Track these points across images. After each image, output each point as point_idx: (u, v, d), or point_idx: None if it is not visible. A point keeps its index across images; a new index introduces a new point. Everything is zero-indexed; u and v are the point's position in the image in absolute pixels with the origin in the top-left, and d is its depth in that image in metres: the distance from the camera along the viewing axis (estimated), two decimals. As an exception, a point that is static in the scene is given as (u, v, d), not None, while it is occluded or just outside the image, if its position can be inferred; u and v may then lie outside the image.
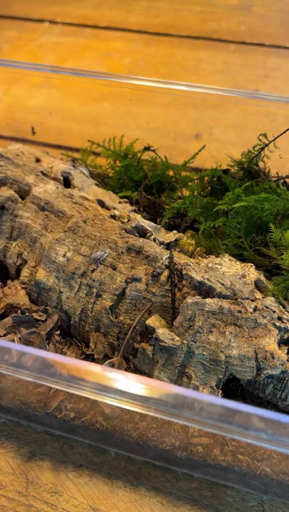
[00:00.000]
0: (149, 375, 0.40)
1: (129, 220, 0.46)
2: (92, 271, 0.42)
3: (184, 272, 0.41)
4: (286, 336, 0.38)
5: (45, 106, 0.71)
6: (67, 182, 0.51)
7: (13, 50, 0.93)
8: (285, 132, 0.47)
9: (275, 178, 0.51)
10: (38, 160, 0.53)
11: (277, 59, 0.89)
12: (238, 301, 0.38)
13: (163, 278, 0.41)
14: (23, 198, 0.49)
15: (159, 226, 0.47)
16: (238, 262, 0.42)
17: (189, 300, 0.38)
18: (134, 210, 0.51)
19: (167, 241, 0.45)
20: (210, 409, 0.29)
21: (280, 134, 0.48)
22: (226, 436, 0.38)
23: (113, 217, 0.46)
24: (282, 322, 0.38)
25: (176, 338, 0.38)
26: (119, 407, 0.37)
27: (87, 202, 0.47)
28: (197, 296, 0.39)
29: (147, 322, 0.39)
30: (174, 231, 0.47)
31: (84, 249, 0.43)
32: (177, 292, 0.40)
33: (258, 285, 0.41)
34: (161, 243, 0.44)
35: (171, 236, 0.45)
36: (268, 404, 0.39)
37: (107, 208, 0.48)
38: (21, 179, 0.48)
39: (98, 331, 0.42)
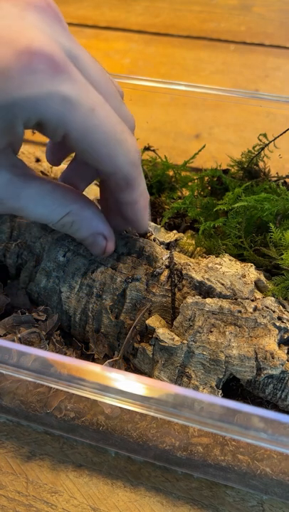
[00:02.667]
0: (149, 375, 0.40)
1: (129, 220, 0.46)
2: (93, 271, 0.42)
3: (184, 272, 0.41)
4: (286, 336, 0.38)
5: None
6: (67, 182, 0.51)
7: (13, 50, 0.93)
8: (285, 132, 0.47)
9: (275, 178, 0.51)
10: (38, 160, 0.53)
11: (277, 59, 0.89)
12: (238, 301, 0.38)
13: (163, 278, 0.41)
14: (23, 198, 0.49)
15: (159, 226, 0.47)
16: (238, 262, 0.42)
17: (189, 300, 0.38)
18: (134, 210, 0.51)
19: (167, 241, 0.45)
20: (210, 409, 0.29)
21: (280, 134, 0.48)
22: (226, 436, 0.38)
23: (113, 217, 0.46)
24: (282, 322, 0.38)
25: (176, 338, 0.38)
26: (119, 407, 0.37)
27: (87, 202, 0.47)
28: (197, 296, 0.39)
29: (147, 322, 0.39)
30: (174, 231, 0.47)
31: (84, 249, 0.43)
32: (177, 292, 0.40)
33: (258, 285, 0.41)
34: (161, 243, 0.44)
35: (171, 236, 0.45)
36: (268, 404, 0.39)
37: (107, 208, 0.48)
38: (21, 179, 0.48)
39: (98, 331, 0.42)
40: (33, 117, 0.30)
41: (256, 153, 0.50)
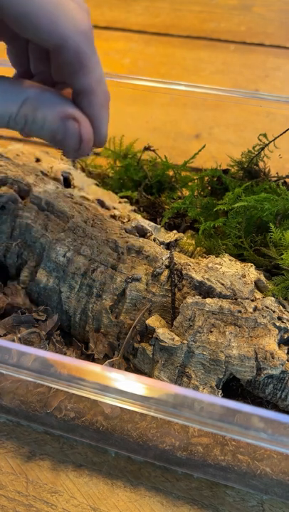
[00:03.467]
0: (149, 375, 0.40)
1: (129, 220, 0.46)
2: (93, 271, 0.42)
3: (184, 272, 0.41)
4: (286, 336, 0.38)
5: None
6: (67, 182, 0.51)
7: (13, 50, 0.93)
8: (285, 132, 0.47)
9: (275, 178, 0.51)
10: (38, 160, 0.53)
11: (277, 59, 0.89)
12: (238, 301, 0.38)
13: (163, 278, 0.41)
14: (23, 198, 0.49)
15: (159, 226, 0.47)
16: (238, 262, 0.42)
17: (189, 300, 0.38)
18: (134, 210, 0.51)
19: (167, 241, 0.45)
20: (210, 409, 0.29)
21: (280, 134, 0.48)
22: (226, 436, 0.38)
23: (113, 217, 0.46)
24: (282, 322, 0.38)
25: (176, 338, 0.38)
26: (119, 407, 0.37)
27: (87, 202, 0.47)
28: (197, 296, 0.39)
29: (147, 322, 0.39)
30: (174, 231, 0.47)
31: (84, 249, 0.43)
32: (177, 292, 0.40)
33: (258, 285, 0.41)
34: (161, 243, 0.44)
35: (171, 236, 0.45)
36: (268, 404, 0.39)
37: (107, 208, 0.48)
38: (21, 179, 0.48)
39: (98, 331, 0.42)
40: None
41: (256, 153, 0.50)
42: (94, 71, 0.32)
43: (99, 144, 0.36)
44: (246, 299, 0.39)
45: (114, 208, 0.48)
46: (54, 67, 0.37)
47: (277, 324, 0.37)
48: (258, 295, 0.40)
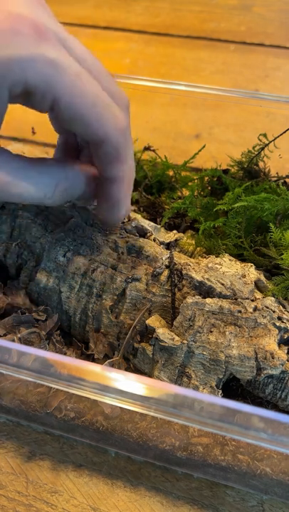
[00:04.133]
0: (149, 375, 0.40)
1: (129, 220, 0.46)
2: (93, 271, 0.42)
3: (184, 272, 0.41)
4: (286, 336, 0.38)
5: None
6: (67, 182, 0.51)
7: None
8: (285, 132, 0.47)
9: (275, 178, 0.51)
10: (38, 160, 0.53)
11: (277, 59, 0.89)
12: (238, 301, 0.38)
13: (163, 278, 0.41)
14: (23, 198, 0.49)
15: (159, 226, 0.47)
16: (238, 262, 0.42)
17: (189, 300, 0.38)
18: (134, 210, 0.51)
19: (167, 241, 0.45)
20: (210, 409, 0.29)
21: (280, 134, 0.48)
22: (226, 436, 0.38)
23: (113, 217, 0.46)
24: (282, 322, 0.38)
25: (176, 338, 0.38)
26: (119, 407, 0.37)
27: (87, 202, 0.47)
28: (197, 296, 0.39)
29: (147, 322, 0.39)
30: (174, 231, 0.47)
31: (84, 249, 0.43)
32: (177, 292, 0.40)
33: (258, 285, 0.41)
34: (161, 243, 0.44)
35: (171, 236, 0.45)
36: (268, 404, 0.39)
37: (107, 208, 0.48)
38: (21, 179, 0.48)
39: (98, 331, 0.42)
40: (18, 80, 0.29)
41: (256, 153, 0.50)
42: (126, 161, 0.35)
43: (115, 222, 0.41)
44: (246, 299, 0.39)
45: (114, 208, 0.48)
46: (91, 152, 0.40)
47: (277, 324, 0.37)
48: (258, 295, 0.40)
